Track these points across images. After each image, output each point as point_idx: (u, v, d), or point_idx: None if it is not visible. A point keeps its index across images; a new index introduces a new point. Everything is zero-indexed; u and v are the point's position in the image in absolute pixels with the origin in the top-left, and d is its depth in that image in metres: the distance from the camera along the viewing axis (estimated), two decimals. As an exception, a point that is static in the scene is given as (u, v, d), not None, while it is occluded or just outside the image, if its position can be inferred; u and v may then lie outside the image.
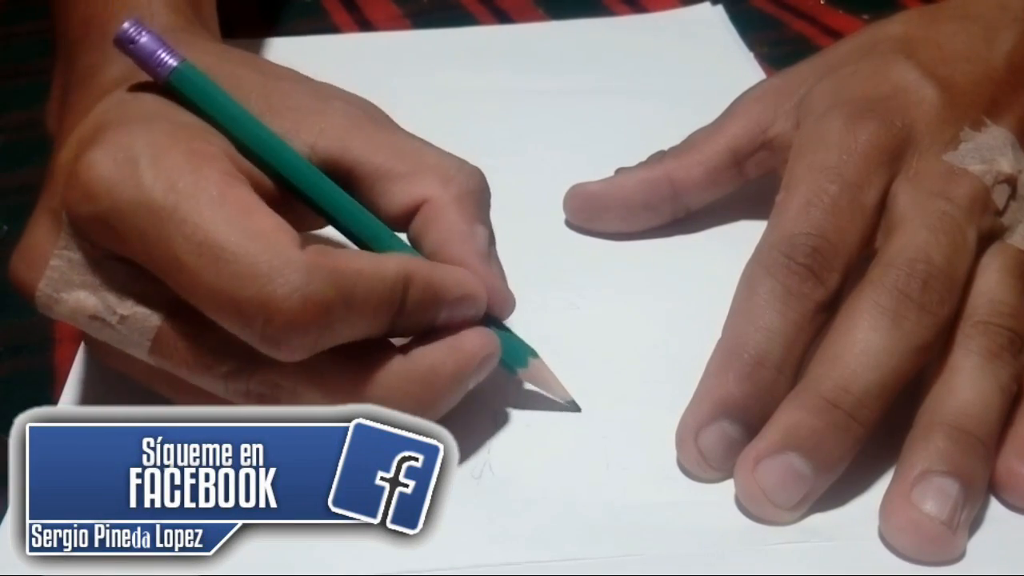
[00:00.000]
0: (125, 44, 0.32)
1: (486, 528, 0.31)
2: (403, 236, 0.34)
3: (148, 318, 0.31)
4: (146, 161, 0.29)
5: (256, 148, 0.32)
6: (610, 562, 0.30)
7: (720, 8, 0.58)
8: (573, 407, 0.35)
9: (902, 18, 0.41)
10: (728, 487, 0.32)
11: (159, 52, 0.32)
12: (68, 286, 0.31)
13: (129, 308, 0.31)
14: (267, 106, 0.33)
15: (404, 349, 0.32)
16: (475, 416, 0.35)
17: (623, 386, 0.36)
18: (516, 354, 0.34)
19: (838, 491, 0.32)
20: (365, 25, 0.59)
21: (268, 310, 0.28)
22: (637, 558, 0.30)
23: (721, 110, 0.42)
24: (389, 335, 0.32)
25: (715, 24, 0.57)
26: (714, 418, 0.33)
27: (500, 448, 0.34)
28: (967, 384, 0.32)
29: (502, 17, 0.60)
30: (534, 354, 0.35)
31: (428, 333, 0.32)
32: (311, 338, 0.29)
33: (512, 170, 0.46)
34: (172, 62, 0.32)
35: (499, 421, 0.35)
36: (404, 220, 0.34)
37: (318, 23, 0.59)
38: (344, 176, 0.33)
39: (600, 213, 0.42)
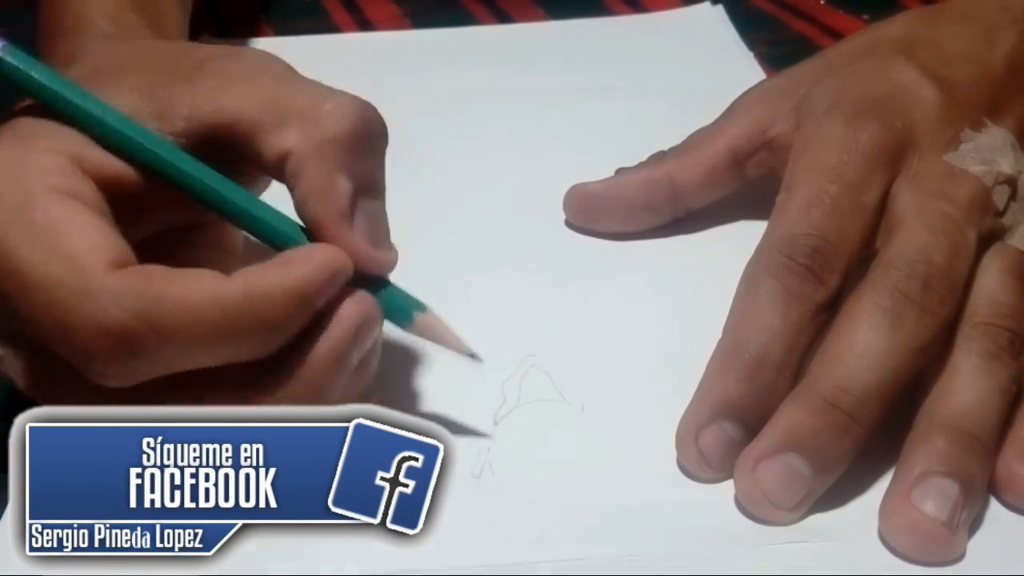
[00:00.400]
0: None
1: (486, 528, 0.31)
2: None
3: (16, 359, 0.30)
4: None
5: (102, 136, 0.30)
6: (610, 562, 0.30)
7: (720, 8, 0.58)
8: (475, 358, 0.32)
9: (902, 18, 0.41)
10: (728, 487, 0.32)
11: None
12: None
13: (2, 350, 0.30)
14: (149, 85, 0.31)
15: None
16: (475, 416, 0.35)
17: (623, 386, 0.36)
18: (401, 309, 0.32)
19: (838, 491, 0.32)
20: (365, 25, 0.59)
21: (68, 340, 0.27)
22: (637, 558, 0.30)
23: (721, 110, 0.42)
24: (247, 356, 0.29)
25: (715, 24, 0.57)
26: (714, 418, 0.33)
27: (500, 448, 0.34)
28: (967, 385, 0.32)
29: (502, 16, 0.60)
30: (421, 307, 0.32)
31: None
32: (122, 368, 0.28)
33: (512, 170, 0.46)
34: None
35: (499, 421, 0.35)
36: (279, 177, 0.31)
37: (318, 23, 0.59)
38: (225, 139, 0.31)
39: (600, 213, 0.42)
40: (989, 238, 0.35)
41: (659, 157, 0.42)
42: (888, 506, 0.31)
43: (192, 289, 0.28)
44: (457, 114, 0.50)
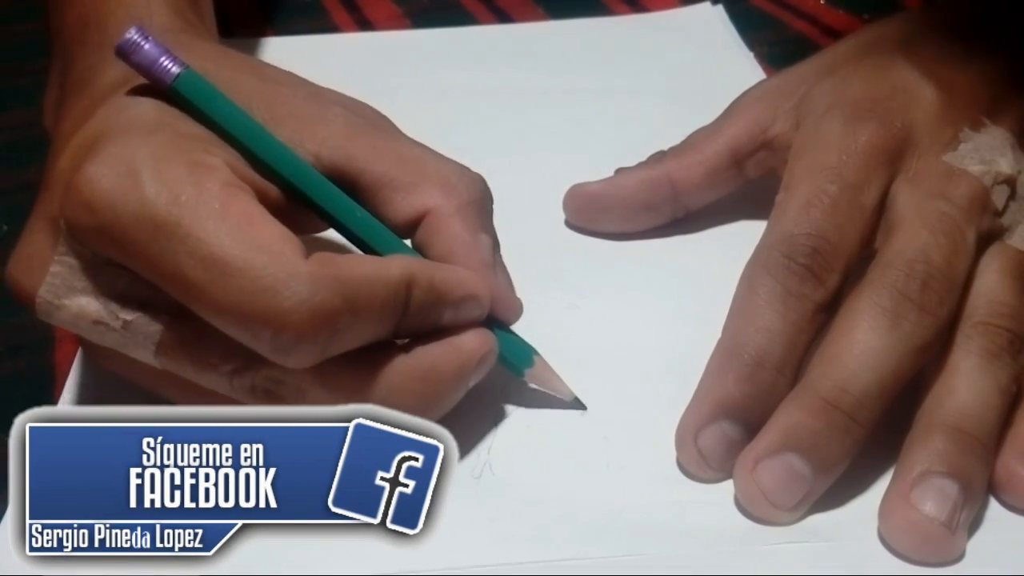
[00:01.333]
0: (127, 53, 0.32)
1: (486, 528, 0.31)
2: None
3: (152, 322, 0.31)
4: (148, 174, 0.29)
5: (262, 155, 0.32)
6: (610, 562, 0.30)
7: (720, 8, 0.58)
8: (578, 405, 0.35)
9: (902, 18, 0.41)
10: (728, 487, 0.32)
11: (162, 59, 0.32)
12: (70, 292, 0.31)
13: (132, 313, 0.31)
14: (268, 113, 0.33)
15: (406, 348, 0.32)
16: (475, 416, 0.35)
17: (623, 386, 0.36)
18: (519, 355, 0.34)
19: (838, 491, 0.32)
20: (365, 25, 0.59)
21: (276, 323, 0.29)
22: (637, 558, 0.31)
23: (721, 110, 0.42)
24: (394, 336, 0.32)
25: (715, 24, 0.57)
26: (714, 419, 0.33)
27: (500, 448, 0.34)
28: (966, 385, 0.32)
29: (502, 16, 0.60)
30: (536, 354, 0.35)
31: (430, 334, 0.32)
32: (319, 347, 0.29)
33: (512, 170, 0.46)
34: (175, 69, 0.32)
35: (499, 421, 0.35)
36: (408, 230, 0.34)
37: (318, 23, 0.59)
38: (348, 185, 0.33)
39: (600, 213, 0.42)
40: (988, 238, 0.35)
41: (659, 157, 0.42)
42: (888, 506, 0.31)
43: (368, 269, 0.30)
44: (457, 114, 0.50)
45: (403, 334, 0.32)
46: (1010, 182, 0.36)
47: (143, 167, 0.29)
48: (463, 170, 0.35)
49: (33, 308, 0.31)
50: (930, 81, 0.37)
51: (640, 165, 0.42)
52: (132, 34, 0.32)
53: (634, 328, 0.38)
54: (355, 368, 0.31)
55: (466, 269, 0.33)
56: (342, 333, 0.30)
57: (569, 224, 0.43)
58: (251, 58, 0.36)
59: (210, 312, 0.29)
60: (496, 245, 0.35)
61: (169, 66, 0.32)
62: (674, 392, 0.34)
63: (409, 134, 0.36)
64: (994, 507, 0.32)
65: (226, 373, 0.31)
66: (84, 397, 0.36)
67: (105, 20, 0.37)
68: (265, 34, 0.58)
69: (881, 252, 0.34)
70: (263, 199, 0.31)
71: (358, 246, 0.34)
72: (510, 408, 0.35)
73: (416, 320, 0.31)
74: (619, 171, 0.43)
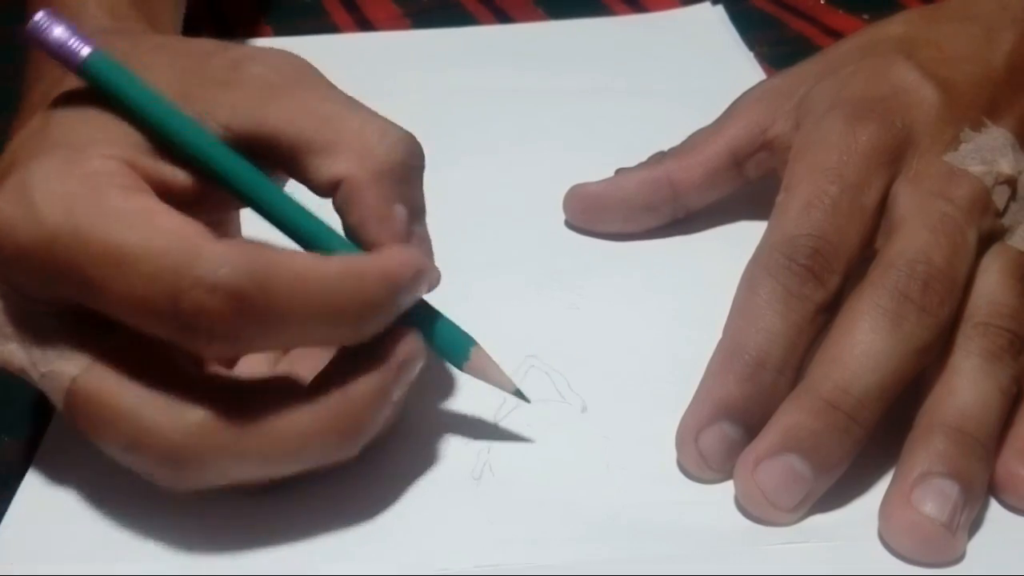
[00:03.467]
0: (35, 36, 0.31)
1: (486, 529, 0.31)
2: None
3: (62, 375, 0.29)
4: (40, 195, 0.29)
5: (168, 136, 0.31)
6: (610, 563, 0.30)
7: (720, 8, 0.58)
8: (520, 396, 0.33)
9: (902, 18, 0.41)
10: (728, 488, 0.32)
11: (70, 41, 0.31)
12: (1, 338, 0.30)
13: (49, 364, 0.30)
14: (183, 88, 0.31)
15: (324, 373, 0.30)
16: (475, 416, 0.35)
17: (623, 386, 0.36)
18: (454, 347, 0.32)
19: (838, 492, 0.32)
20: (365, 25, 0.59)
21: (178, 300, 0.27)
22: (637, 559, 0.30)
23: (721, 110, 0.42)
24: (318, 343, 0.31)
25: (715, 24, 0.58)
26: (714, 419, 0.32)
27: (500, 449, 0.34)
28: (967, 386, 0.32)
29: (502, 16, 0.60)
30: (475, 345, 0.32)
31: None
32: (230, 327, 0.28)
33: (512, 170, 0.46)
34: (83, 51, 0.31)
35: (499, 421, 0.35)
36: (328, 195, 0.32)
37: (318, 23, 0.59)
38: (265, 151, 0.31)
39: (600, 214, 0.42)
40: (989, 238, 0.35)
41: (659, 157, 0.42)
42: (888, 507, 0.31)
43: (297, 259, 0.29)
44: (457, 114, 0.50)
45: (360, 339, 0.30)
46: (1011, 182, 0.36)
47: (35, 188, 0.29)
48: (385, 130, 0.32)
49: None
50: (930, 81, 0.37)
51: (640, 165, 0.42)
52: (40, 17, 0.31)
53: (634, 328, 0.38)
54: (257, 420, 0.29)
55: (390, 252, 0.30)
56: (259, 320, 0.28)
57: (569, 224, 0.43)
58: (177, 38, 0.35)
59: (116, 306, 0.28)
60: (418, 212, 0.32)
61: (77, 48, 0.31)
62: (674, 392, 0.34)
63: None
64: (994, 507, 0.32)
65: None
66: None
67: None
68: (265, 35, 0.58)
69: (882, 253, 0.34)
70: (172, 189, 0.30)
71: (291, 236, 0.31)
72: (510, 408, 0.35)
73: (372, 322, 0.30)
74: (619, 171, 0.43)
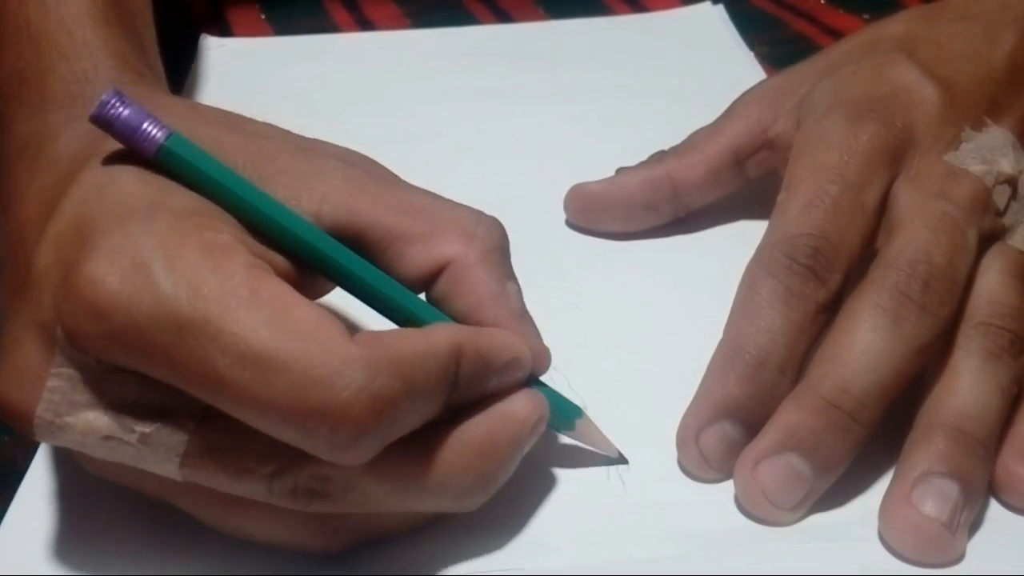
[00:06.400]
0: (107, 122, 0.28)
1: (486, 530, 0.31)
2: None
3: (175, 432, 0.27)
4: (159, 265, 0.26)
5: (267, 221, 0.29)
6: (610, 564, 0.30)
7: (720, 8, 0.58)
8: (622, 460, 0.33)
9: (902, 17, 0.41)
10: (728, 487, 0.32)
11: (145, 125, 0.28)
12: (72, 408, 0.27)
13: (150, 425, 0.27)
14: (257, 172, 0.30)
15: (453, 423, 0.29)
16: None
17: (623, 386, 0.36)
18: (564, 414, 0.33)
19: (838, 492, 0.32)
20: (365, 24, 0.59)
21: (334, 418, 0.25)
22: (637, 559, 0.30)
23: (721, 110, 0.42)
24: (444, 411, 0.29)
25: (715, 24, 0.58)
26: (715, 419, 0.32)
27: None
28: (967, 385, 0.32)
29: (502, 16, 0.60)
30: (581, 413, 0.33)
31: (475, 404, 0.30)
32: (380, 438, 0.27)
33: (512, 170, 0.46)
34: (160, 135, 0.28)
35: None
36: (424, 283, 0.31)
37: (318, 23, 0.59)
38: (354, 242, 0.30)
39: (601, 213, 0.42)
40: (990, 238, 0.35)
41: (659, 157, 0.42)
42: (888, 507, 0.31)
43: (417, 344, 0.28)
44: (457, 114, 0.50)
45: (451, 407, 0.29)
46: (1011, 182, 0.36)
47: (152, 258, 0.26)
48: (480, 215, 0.32)
49: (30, 429, 0.27)
50: (931, 81, 0.37)
51: (641, 165, 0.42)
52: (108, 98, 0.28)
53: (635, 328, 0.38)
54: (407, 453, 0.28)
55: (502, 329, 0.31)
56: (401, 418, 0.27)
57: (570, 224, 0.43)
58: (224, 111, 0.33)
59: (254, 414, 0.26)
60: (520, 291, 0.32)
61: (153, 132, 0.28)
62: (675, 392, 0.34)
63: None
64: (994, 507, 0.32)
65: (264, 477, 0.27)
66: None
67: (44, 76, 0.34)
68: (265, 34, 0.58)
69: (882, 252, 0.34)
70: (279, 274, 0.28)
71: (383, 314, 0.31)
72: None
73: (465, 392, 0.29)
74: (620, 171, 0.43)
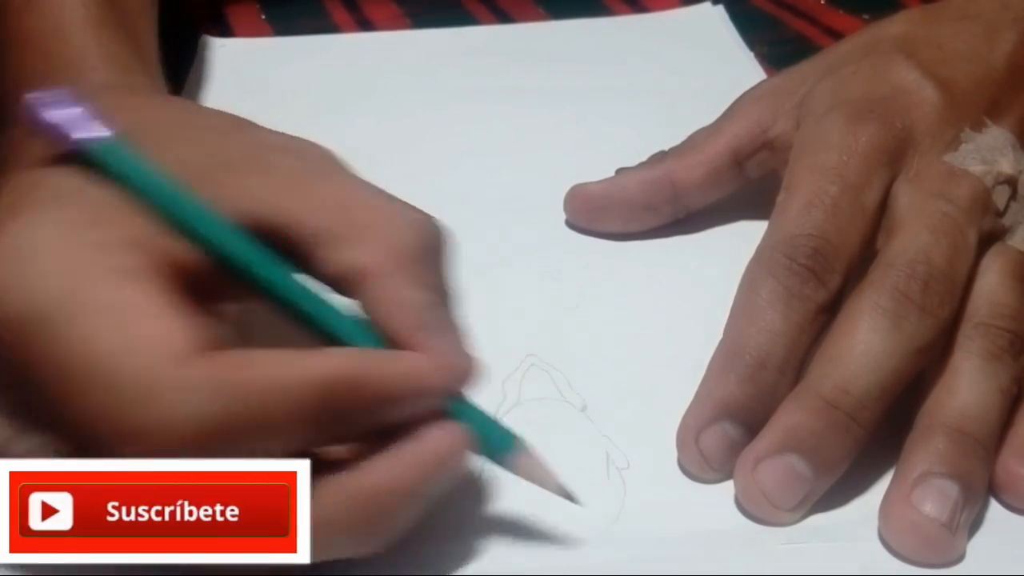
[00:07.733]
0: (34, 117, 0.29)
1: (485, 529, 0.31)
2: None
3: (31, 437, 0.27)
4: (35, 259, 0.26)
5: (179, 223, 0.28)
6: (610, 563, 0.30)
7: (720, 8, 0.58)
8: (569, 498, 0.30)
9: (902, 18, 0.41)
10: (728, 488, 0.32)
11: (73, 124, 0.29)
12: None
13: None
14: (201, 170, 0.29)
15: (349, 463, 0.27)
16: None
17: (623, 386, 0.36)
18: (496, 444, 0.30)
19: (838, 492, 0.32)
20: (365, 24, 0.59)
21: (150, 440, 0.24)
22: (637, 559, 0.30)
23: (721, 110, 0.42)
24: (328, 443, 0.28)
25: (715, 24, 0.58)
26: (715, 419, 0.33)
27: (500, 448, 0.34)
28: (967, 386, 0.32)
29: (502, 16, 0.60)
30: (517, 443, 0.30)
31: (384, 433, 0.28)
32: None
33: (512, 170, 0.46)
34: (85, 136, 0.28)
35: (499, 419, 0.35)
36: (342, 291, 0.29)
37: (318, 23, 0.59)
38: (282, 243, 0.29)
39: (601, 213, 0.42)
40: (989, 238, 0.35)
41: (659, 157, 0.42)
42: (888, 507, 0.31)
43: (278, 372, 0.26)
44: (457, 114, 0.50)
45: (338, 441, 0.28)
46: (1011, 182, 0.36)
47: (31, 252, 0.26)
48: (409, 214, 0.29)
49: None
50: (931, 81, 0.37)
51: (641, 165, 0.42)
52: (37, 96, 0.29)
53: (635, 328, 0.38)
54: None
55: (406, 345, 0.28)
56: (237, 449, 0.25)
57: (570, 224, 0.43)
58: (194, 106, 0.32)
59: (72, 429, 0.25)
60: (445, 300, 0.30)
61: (80, 133, 0.29)
62: (675, 392, 0.34)
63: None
64: (994, 507, 0.32)
65: None
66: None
67: (42, 82, 0.34)
68: (265, 34, 0.58)
69: (882, 253, 0.34)
70: (183, 271, 0.27)
71: (301, 325, 0.29)
72: (509, 407, 0.35)
73: (357, 424, 0.27)
74: (620, 171, 0.43)
